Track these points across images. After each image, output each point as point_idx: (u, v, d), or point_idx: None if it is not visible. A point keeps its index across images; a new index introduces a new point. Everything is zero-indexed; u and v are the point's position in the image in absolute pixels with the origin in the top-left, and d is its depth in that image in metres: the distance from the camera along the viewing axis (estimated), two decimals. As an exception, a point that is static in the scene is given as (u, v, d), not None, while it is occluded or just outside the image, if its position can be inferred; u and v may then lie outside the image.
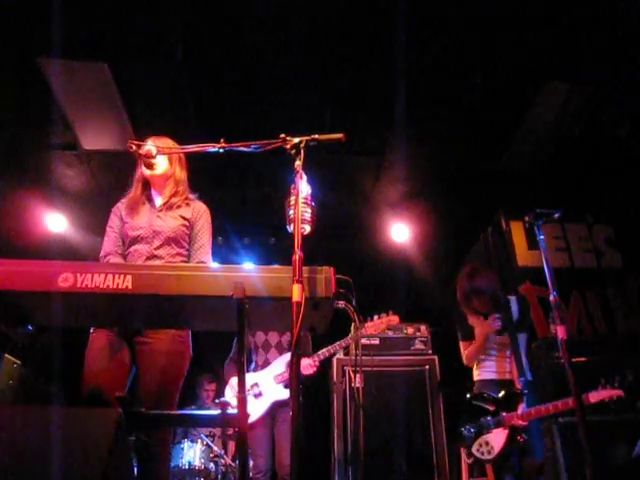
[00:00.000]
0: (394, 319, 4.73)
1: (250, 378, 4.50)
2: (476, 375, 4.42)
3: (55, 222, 6.40)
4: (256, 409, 4.39)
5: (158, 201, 3.17)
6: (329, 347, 4.60)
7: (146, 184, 3.21)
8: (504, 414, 4.03)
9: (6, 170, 5.70)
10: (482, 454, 4.04)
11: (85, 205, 6.34)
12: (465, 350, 4.51)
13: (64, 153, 5.69)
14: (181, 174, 3.21)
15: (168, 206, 3.11)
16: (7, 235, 6.09)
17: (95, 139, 5.45)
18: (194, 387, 6.36)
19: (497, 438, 4.03)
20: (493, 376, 4.31)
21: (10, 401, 5.02)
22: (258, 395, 4.42)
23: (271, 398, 4.43)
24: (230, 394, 4.55)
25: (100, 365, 2.70)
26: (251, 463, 4.41)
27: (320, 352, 4.57)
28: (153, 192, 3.20)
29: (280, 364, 4.56)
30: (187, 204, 3.16)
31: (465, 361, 4.52)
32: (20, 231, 6.24)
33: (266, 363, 4.61)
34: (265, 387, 4.48)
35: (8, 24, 4.26)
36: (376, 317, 4.69)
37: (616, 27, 4.43)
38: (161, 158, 3.08)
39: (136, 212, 3.10)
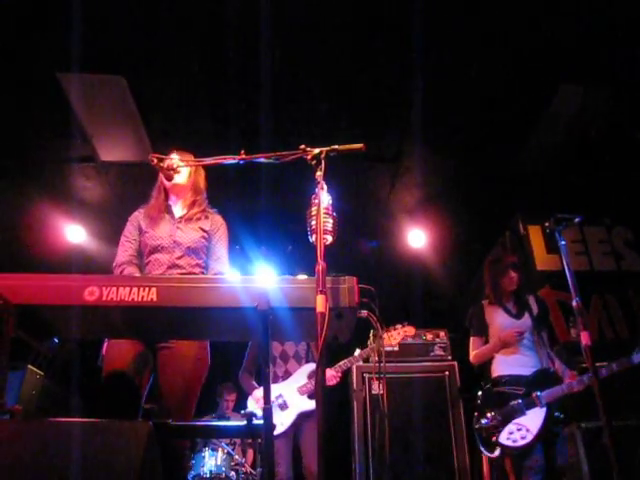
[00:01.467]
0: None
1: (274, 389, 4.51)
2: (497, 371, 4.13)
3: (74, 233, 6.47)
4: (283, 420, 4.43)
5: (177, 212, 3.20)
6: (350, 358, 4.62)
7: (166, 195, 3.24)
8: (538, 393, 3.78)
9: (26, 183, 5.78)
10: (514, 441, 3.69)
11: (103, 216, 6.40)
12: (475, 348, 4.31)
13: (82, 165, 5.75)
14: (200, 183, 3.28)
15: (187, 218, 3.15)
16: (28, 247, 6.17)
17: (113, 151, 5.51)
18: (214, 396, 6.38)
19: (533, 419, 3.72)
20: (515, 371, 4.04)
21: (33, 412, 5.08)
22: (283, 406, 4.45)
23: (297, 409, 4.46)
24: (255, 405, 4.57)
25: (125, 373, 2.72)
26: None
27: (342, 363, 4.59)
28: (172, 202, 3.24)
29: (302, 375, 4.59)
30: (206, 217, 3.21)
31: (473, 359, 4.31)
32: (40, 242, 6.32)
33: (287, 374, 4.63)
34: (290, 398, 4.51)
35: (27, 40, 4.33)
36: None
37: (633, 28, 4.40)
38: (183, 169, 3.11)
39: (156, 222, 3.12)
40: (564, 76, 4.84)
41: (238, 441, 5.71)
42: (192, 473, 5.02)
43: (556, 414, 3.74)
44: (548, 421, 3.70)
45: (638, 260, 5.93)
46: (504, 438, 3.72)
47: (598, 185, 5.74)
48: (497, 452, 3.76)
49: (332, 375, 4.52)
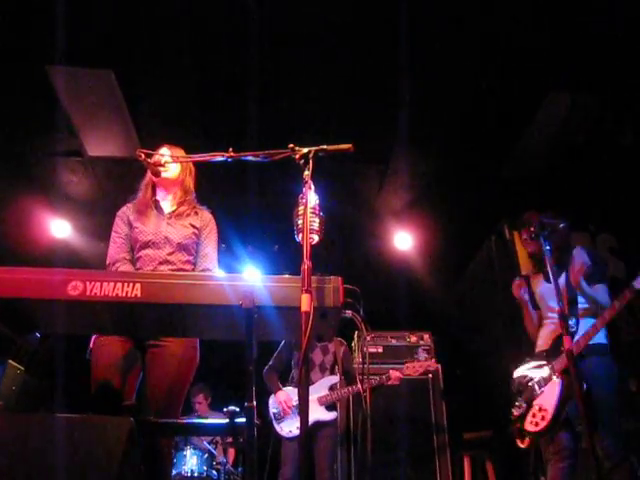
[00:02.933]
0: (433, 364, 4.85)
1: (294, 395, 4.71)
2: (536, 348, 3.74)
3: (59, 228, 6.42)
4: (299, 425, 4.46)
5: (166, 207, 3.17)
6: (343, 390, 4.70)
7: (154, 189, 3.20)
8: (552, 362, 3.39)
9: (12, 177, 5.73)
10: (536, 425, 3.29)
11: (89, 211, 6.37)
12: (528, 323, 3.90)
13: (69, 160, 5.72)
14: (190, 184, 3.23)
15: (177, 214, 3.12)
16: (12, 241, 6.11)
17: (100, 146, 5.47)
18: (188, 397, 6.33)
19: (549, 395, 3.31)
20: (540, 347, 3.68)
21: (13, 407, 5.02)
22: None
23: (313, 418, 4.52)
24: (274, 405, 4.77)
25: (111, 371, 2.70)
26: None
27: (335, 392, 4.68)
28: (160, 197, 3.20)
29: (323, 386, 4.73)
30: (195, 213, 3.18)
31: (532, 338, 3.84)
32: (25, 237, 6.26)
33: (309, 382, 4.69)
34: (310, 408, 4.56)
35: (15, 32, 4.29)
36: (416, 361, 4.81)
37: (619, 36, 4.45)
38: (173, 164, 3.10)
39: (145, 217, 3.08)
40: (552, 83, 4.88)
41: (219, 440, 5.70)
42: (173, 472, 5.01)
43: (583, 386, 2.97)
44: (566, 391, 3.19)
45: (621, 267, 5.98)
46: (528, 423, 3.37)
47: (584, 192, 5.79)
48: (527, 441, 3.39)
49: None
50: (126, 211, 3.15)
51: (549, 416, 3.25)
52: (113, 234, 3.10)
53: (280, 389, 4.78)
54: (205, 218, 3.21)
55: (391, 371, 4.65)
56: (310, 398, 4.49)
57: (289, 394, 4.73)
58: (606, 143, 5.42)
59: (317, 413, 4.56)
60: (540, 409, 3.31)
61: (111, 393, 2.61)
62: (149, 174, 3.16)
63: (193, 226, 3.12)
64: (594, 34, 4.41)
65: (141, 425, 1.69)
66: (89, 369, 2.76)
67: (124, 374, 2.73)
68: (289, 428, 4.57)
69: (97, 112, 5.03)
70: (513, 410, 3.50)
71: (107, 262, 3.03)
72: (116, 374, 2.70)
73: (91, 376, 2.74)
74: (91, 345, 2.83)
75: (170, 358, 2.78)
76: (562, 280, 3.64)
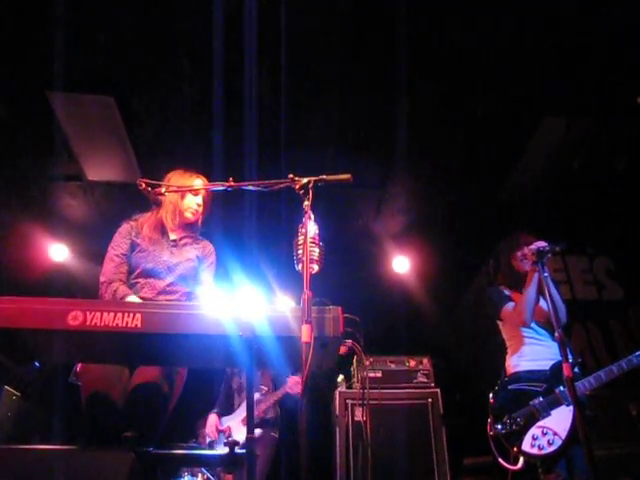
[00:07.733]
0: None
1: (225, 421, 4.65)
2: (512, 367, 3.58)
3: (58, 252, 6.42)
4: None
5: (172, 235, 3.16)
6: (267, 400, 4.65)
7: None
8: (561, 388, 3.23)
9: (11, 200, 5.74)
10: (541, 448, 3.10)
11: (88, 235, 6.36)
12: (515, 308, 3.66)
13: (68, 184, 5.74)
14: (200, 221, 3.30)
15: (182, 244, 3.15)
16: (11, 264, 6.10)
17: (100, 170, 5.51)
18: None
19: (560, 420, 3.15)
20: (530, 365, 3.50)
21: (9, 433, 4.97)
22: (229, 438, 4.45)
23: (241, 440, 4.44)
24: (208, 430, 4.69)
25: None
26: None
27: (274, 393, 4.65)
28: (168, 225, 3.16)
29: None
30: (197, 242, 3.22)
31: (524, 316, 3.53)
32: (23, 260, 6.25)
33: (239, 407, 4.66)
34: (235, 430, 4.54)
35: (16, 57, 4.33)
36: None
37: (615, 62, 4.51)
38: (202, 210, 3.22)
39: (152, 244, 3.04)
40: (547, 108, 4.94)
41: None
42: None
43: (587, 413, 3.07)
44: (579, 420, 2.87)
45: (619, 289, 6.01)
46: (528, 445, 3.13)
47: (581, 216, 5.82)
48: (521, 463, 3.13)
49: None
50: (130, 230, 3.08)
51: (560, 442, 3.11)
52: (111, 251, 3.00)
53: (212, 413, 4.75)
54: (207, 249, 3.24)
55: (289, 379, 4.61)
56: (234, 422, 4.53)
57: (217, 418, 4.66)
58: (601, 168, 5.46)
59: (242, 434, 4.47)
60: (547, 433, 3.13)
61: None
62: (175, 203, 3.15)
63: (195, 256, 3.14)
64: (587, 59, 4.47)
65: (141, 457, 1.68)
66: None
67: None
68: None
69: (97, 137, 5.07)
70: (498, 424, 3.24)
71: (102, 280, 2.93)
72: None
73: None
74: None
75: None
76: (544, 303, 3.54)
